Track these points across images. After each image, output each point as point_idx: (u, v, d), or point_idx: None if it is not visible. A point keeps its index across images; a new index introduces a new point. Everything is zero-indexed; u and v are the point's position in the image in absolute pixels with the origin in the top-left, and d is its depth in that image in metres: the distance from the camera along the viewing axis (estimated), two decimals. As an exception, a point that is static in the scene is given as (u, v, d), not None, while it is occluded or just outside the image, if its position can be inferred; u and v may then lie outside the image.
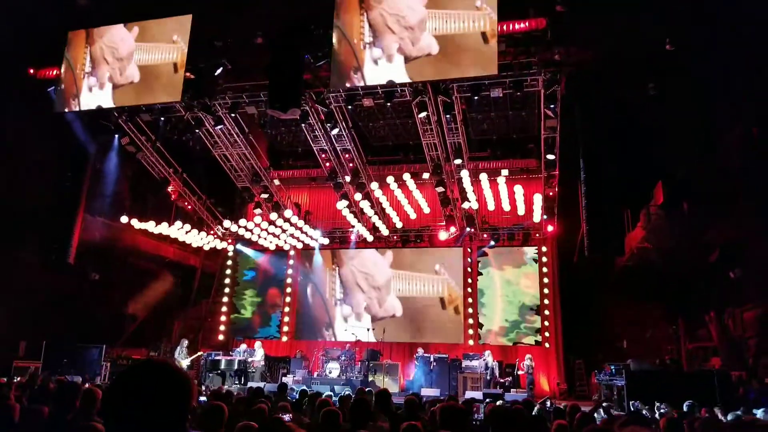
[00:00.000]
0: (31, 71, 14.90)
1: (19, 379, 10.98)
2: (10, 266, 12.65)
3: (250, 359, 15.73)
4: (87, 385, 6.39)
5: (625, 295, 16.47)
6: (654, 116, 13.01)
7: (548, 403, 9.68)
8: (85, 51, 14.04)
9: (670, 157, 13.11)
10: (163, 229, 16.63)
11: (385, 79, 11.92)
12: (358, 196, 16.35)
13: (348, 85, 12.41)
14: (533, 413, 6.36)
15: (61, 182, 14.88)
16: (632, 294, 16.38)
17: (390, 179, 16.19)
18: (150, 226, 16.32)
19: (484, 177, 15.40)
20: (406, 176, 16.10)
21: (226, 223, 18.14)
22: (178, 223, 17.04)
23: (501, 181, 15.42)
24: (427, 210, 17.27)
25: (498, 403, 9.01)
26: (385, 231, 18.03)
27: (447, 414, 3.07)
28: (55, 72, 14.52)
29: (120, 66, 13.77)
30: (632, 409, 7.93)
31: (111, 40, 13.93)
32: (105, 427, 1.38)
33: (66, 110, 14.27)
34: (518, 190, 15.54)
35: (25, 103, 14.22)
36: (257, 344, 16.62)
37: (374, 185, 16.56)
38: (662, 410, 8.39)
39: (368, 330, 17.44)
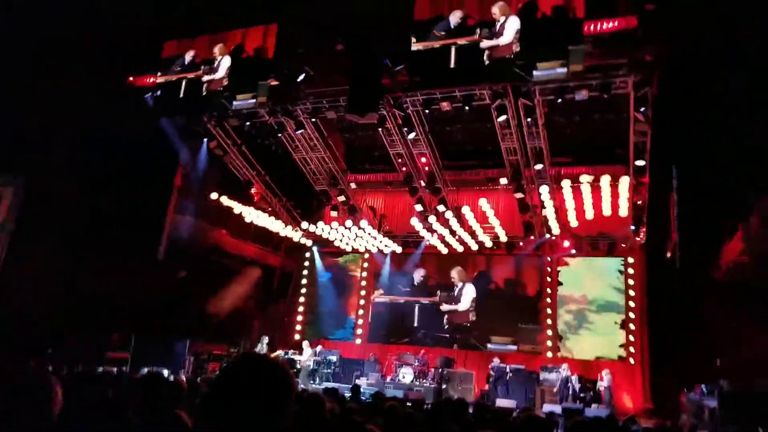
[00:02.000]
0: (130, 79, 15.95)
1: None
2: (105, 263, 13.51)
3: (296, 358, 15.84)
4: (172, 378, 6.69)
5: (720, 310, 15.28)
6: (756, 120, 12.01)
7: (636, 424, 9.13)
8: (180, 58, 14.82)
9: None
10: (249, 212, 17.13)
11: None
12: (434, 213, 16.25)
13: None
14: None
15: (155, 184, 15.79)
16: (727, 310, 15.17)
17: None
18: (237, 205, 16.85)
19: (566, 183, 14.83)
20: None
21: (304, 224, 18.53)
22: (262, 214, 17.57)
23: (585, 189, 14.78)
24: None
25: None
26: (458, 247, 17.76)
27: (529, 425, 2.92)
28: (151, 79, 15.44)
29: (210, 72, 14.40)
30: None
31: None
32: (210, 420, 1.38)
33: (161, 116, 15.14)
34: (605, 195, 14.83)
35: (123, 109, 15.20)
36: (305, 343, 16.68)
37: (465, 209, 16.47)
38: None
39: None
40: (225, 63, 13.77)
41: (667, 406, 15.53)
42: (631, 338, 16.31)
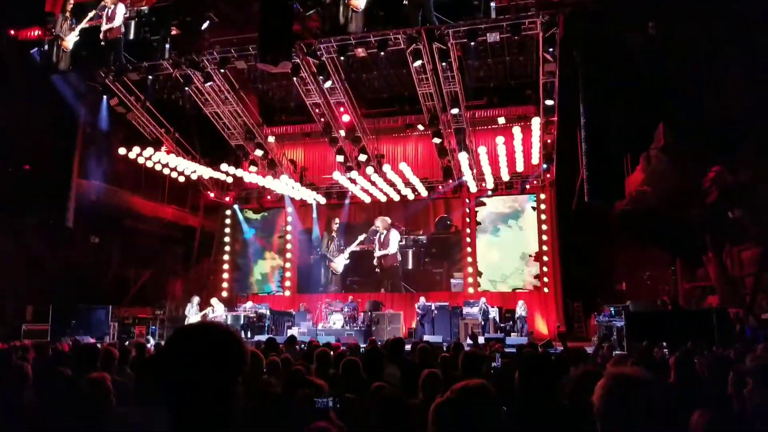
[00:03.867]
0: (12, 33, 14.42)
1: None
2: (11, 233, 12.59)
3: (210, 316, 15.20)
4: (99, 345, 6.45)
5: (624, 239, 16.62)
6: (654, 57, 12.75)
7: (552, 347, 9.88)
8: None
9: (670, 99, 12.93)
10: (161, 157, 16.00)
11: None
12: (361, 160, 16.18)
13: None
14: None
15: (53, 147, 14.63)
16: (631, 238, 16.52)
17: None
18: (147, 152, 15.70)
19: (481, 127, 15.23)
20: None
21: (224, 166, 17.39)
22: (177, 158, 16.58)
23: (499, 131, 15.24)
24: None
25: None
26: (381, 197, 17.91)
27: (468, 361, 3.10)
28: (37, 33, 14.04)
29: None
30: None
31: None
32: (159, 388, 1.35)
33: (51, 72, 13.89)
34: (516, 135, 15.39)
35: (8, 66, 13.80)
36: (213, 300, 16.15)
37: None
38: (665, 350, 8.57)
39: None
40: (120, 10, 12.69)
41: (577, 328, 16.95)
42: (545, 269, 17.42)
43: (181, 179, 17.25)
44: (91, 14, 13.09)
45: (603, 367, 4.53)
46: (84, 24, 13.04)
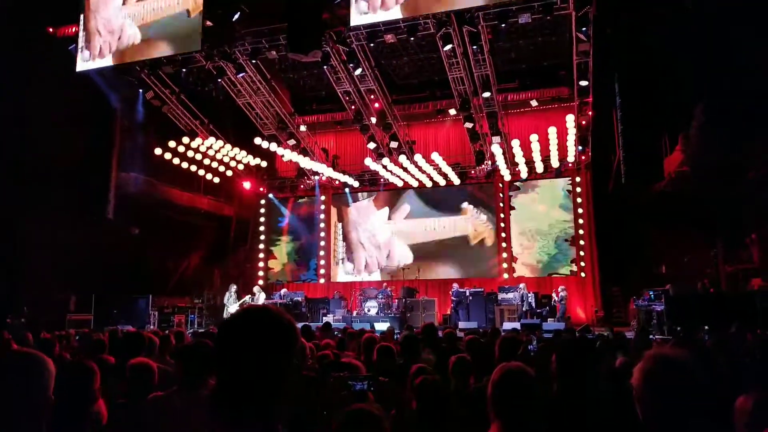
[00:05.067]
0: (51, 30, 14.85)
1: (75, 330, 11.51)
2: (52, 225, 13.04)
3: (254, 304, 15.71)
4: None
5: (663, 221, 16.16)
6: (692, 34, 12.30)
7: (590, 332, 9.75)
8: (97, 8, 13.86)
9: (708, 78, 12.47)
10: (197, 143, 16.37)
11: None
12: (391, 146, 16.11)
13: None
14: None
15: (91, 140, 15.07)
16: (670, 220, 16.05)
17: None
18: (183, 144, 16.09)
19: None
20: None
21: (257, 140, 17.16)
22: (211, 139, 16.82)
23: (532, 113, 14.97)
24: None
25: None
26: (413, 182, 17.81)
27: (506, 344, 3.10)
28: (74, 29, 14.43)
29: (111, 39, 13.71)
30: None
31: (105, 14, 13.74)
32: (217, 375, 1.40)
33: (88, 68, 14.28)
34: (550, 119, 15.12)
35: (48, 62, 14.22)
36: (256, 288, 16.67)
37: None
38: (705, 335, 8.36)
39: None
40: None
41: (615, 313, 16.64)
42: (582, 253, 17.14)
43: (216, 165, 17.45)
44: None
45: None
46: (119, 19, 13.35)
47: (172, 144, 15.88)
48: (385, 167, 16.90)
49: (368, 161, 16.91)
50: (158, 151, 15.79)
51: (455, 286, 16.56)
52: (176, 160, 16.20)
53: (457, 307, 15.90)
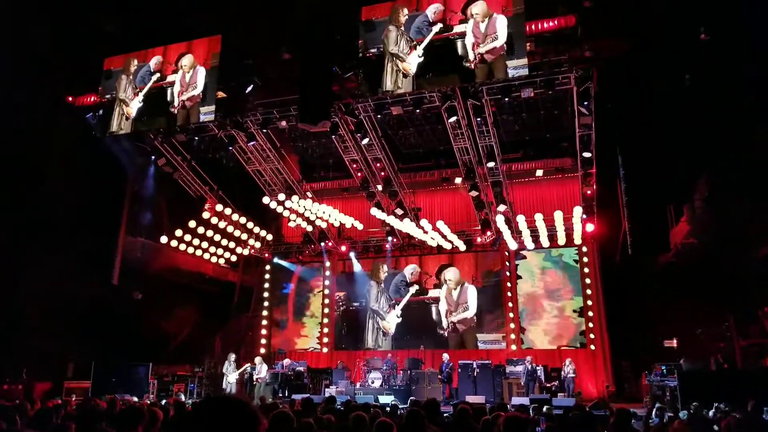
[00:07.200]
0: (70, 99, 15.38)
1: (74, 398, 11.24)
2: (54, 286, 13.02)
3: (255, 375, 15.27)
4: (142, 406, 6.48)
5: (672, 293, 15.94)
6: (692, 108, 12.62)
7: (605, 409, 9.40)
8: (121, 79, 14.40)
9: (712, 149, 12.67)
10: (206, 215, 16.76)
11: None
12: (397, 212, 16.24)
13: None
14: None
15: (102, 204, 15.27)
16: (679, 292, 15.83)
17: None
18: (187, 238, 16.48)
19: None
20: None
21: (262, 232, 18.09)
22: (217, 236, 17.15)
23: (537, 183, 15.14)
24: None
25: (544, 408, 8.83)
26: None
27: (511, 425, 2.97)
28: (92, 98, 14.94)
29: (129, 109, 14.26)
30: (691, 410, 7.63)
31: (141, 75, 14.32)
32: None
33: (105, 134, 14.68)
34: (554, 189, 15.27)
35: (65, 122, 14.68)
36: (257, 359, 16.02)
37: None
38: (721, 411, 8.05)
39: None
40: (201, 74, 13.47)
41: (627, 388, 16.10)
42: (591, 325, 16.79)
43: (219, 238, 17.65)
44: (155, 77, 13.93)
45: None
46: (147, 89, 13.87)
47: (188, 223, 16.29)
48: (391, 230, 16.83)
49: (374, 210, 16.78)
50: (164, 239, 16.12)
51: (445, 356, 15.98)
52: (185, 241, 16.52)
53: (446, 379, 15.34)
